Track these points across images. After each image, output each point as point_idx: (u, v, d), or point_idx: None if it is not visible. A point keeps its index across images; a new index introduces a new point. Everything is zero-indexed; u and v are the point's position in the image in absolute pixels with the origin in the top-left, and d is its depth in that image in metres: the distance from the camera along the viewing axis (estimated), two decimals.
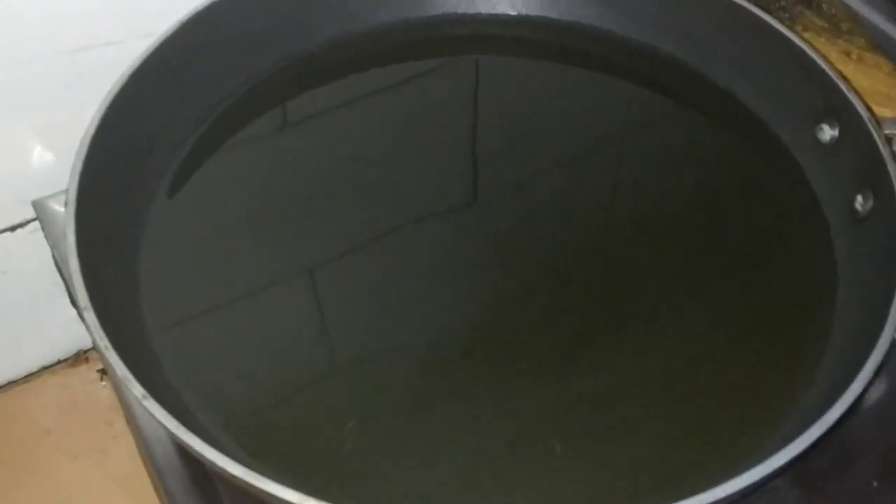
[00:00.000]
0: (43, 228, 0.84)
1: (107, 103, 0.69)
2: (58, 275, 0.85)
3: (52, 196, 0.83)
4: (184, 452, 0.67)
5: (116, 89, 0.70)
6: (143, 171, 0.72)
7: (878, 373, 0.55)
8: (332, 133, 0.79)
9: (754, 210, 0.73)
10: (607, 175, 0.75)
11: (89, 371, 1.02)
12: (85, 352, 1.03)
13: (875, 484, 0.63)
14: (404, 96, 0.82)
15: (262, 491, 0.50)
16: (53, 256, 0.83)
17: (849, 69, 0.80)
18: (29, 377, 1.00)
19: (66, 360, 1.02)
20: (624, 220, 0.73)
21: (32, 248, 0.89)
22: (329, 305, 0.68)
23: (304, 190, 0.75)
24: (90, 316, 0.57)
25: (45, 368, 1.02)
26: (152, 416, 0.54)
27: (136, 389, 0.54)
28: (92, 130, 0.67)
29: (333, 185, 0.75)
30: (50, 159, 0.85)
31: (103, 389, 1.00)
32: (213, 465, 0.51)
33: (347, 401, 0.62)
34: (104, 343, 0.56)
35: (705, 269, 0.69)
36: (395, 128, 0.79)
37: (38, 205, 0.84)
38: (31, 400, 0.99)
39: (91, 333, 0.57)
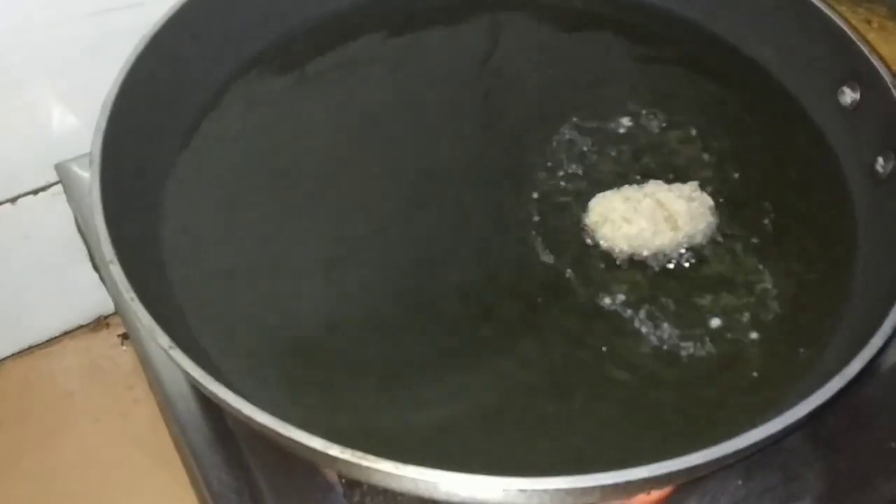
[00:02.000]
0: (65, 191, 0.85)
1: (129, 65, 0.70)
2: (79, 239, 0.86)
3: (74, 159, 0.84)
4: (206, 407, 0.68)
5: (138, 51, 0.70)
6: (165, 130, 0.73)
7: None
8: (353, 92, 0.79)
9: (776, 172, 0.72)
10: (628, 139, 0.75)
11: (110, 336, 1.02)
12: (106, 317, 1.03)
13: (893, 445, 0.64)
14: (424, 55, 0.82)
15: (287, 439, 0.51)
16: (76, 219, 0.84)
17: (870, 37, 0.79)
18: (51, 341, 1.01)
19: (87, 325, 1.03)
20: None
21: (54, 212, 0.89)
22: (351, 260, 0.68)
23: (323, 148, 0.75)
24: (116, 269, 0.58)
25: (66, 333, 1.02)
26: (178, 365, 0.55)
27: (163, 340, 0.55)
28: (115, 91, 0.68)
29: (352, 143, 0.75)
30: (71, 123, 0.86)
31: (124, 354, 1.01)
32: (240, 413, 0.52)
33: (369, 357, 0.63)
34: (130, 295, 0.57)
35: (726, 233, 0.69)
36: (411, 86, 0.79)
37: (60, 168, 0.85)
38: (54, 364, 1.01)
39: (116, 287, 0.58)
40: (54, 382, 1.00)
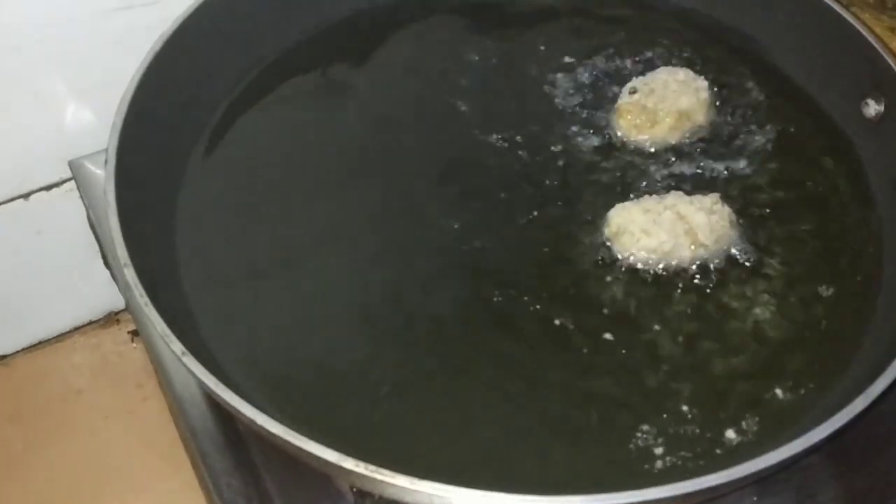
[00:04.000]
0: (79, 188, 0.84)
1: (146, 63, 0.69)
2: (91, 236, 0.85)
3: (88, 156, 0.84)
4: (217, 413, 0.67)
5: (156, 49, 0.70)
6: (181, 131, 0.72)
7: None
8: (367, 95, 0.78)
9: (799, 184, 0.71)
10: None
11: (120, 333, 1.02)
12: (116, 313, 1.03)
13: None
14: (445, 55, 0.81)
15: (300, 450, 0.50)
16: (88, 216, 0.83)
17: (894, 45, 0.78)
18: (61, 337, 1.01)
19: (97, 321, 1.03)
20: None
21: (67, 209, 0.89)
22: (364, 269, 0.67)
23: (343, 151, 0.74)
24: (130, 272, 0.57)
25: (76, 329, 1.02)
26: (191, 373, 0.54)
27: (176, 346, 0.54)
28: (131, 90, 0.68)
29: (373, 146, 0.75)
30: (86, 119, 0.85)
31: (134, 351, 1.01)
32: (252, 422, 0.51)
33: (381, 367, 0.62)
34: (144, 300, 0.56)
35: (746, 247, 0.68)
36: (432, 88, 0.79)
37: (74, 164, 0.84)
38: (63, 360, 1.00)
39: (130, 290, 0.58)
40: (64, 378, 1.00)
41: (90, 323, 1.03)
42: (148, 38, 0.71)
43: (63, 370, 1.00)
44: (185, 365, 0.54)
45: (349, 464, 0.49)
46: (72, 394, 0.99)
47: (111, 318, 1.04)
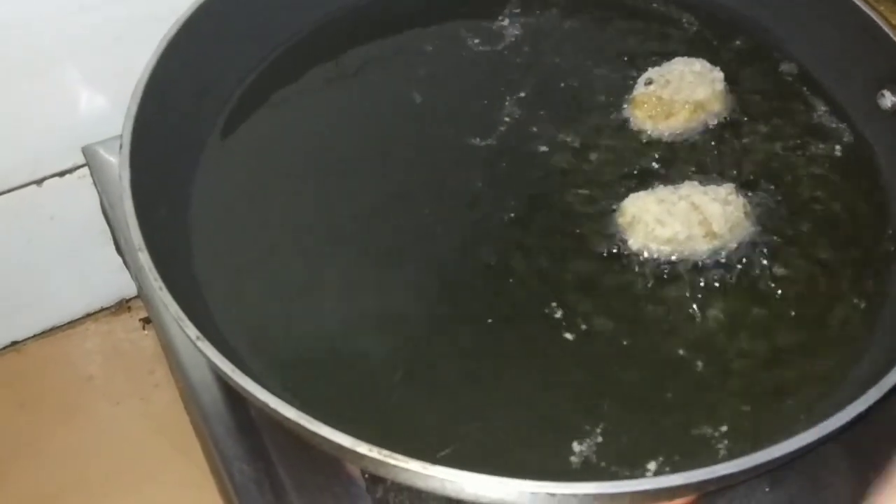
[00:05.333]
0: (92, 174, 0.84)
1: (161, 49, 0.69)
2: (104, 222, 0.85)
3: (101, 142, 0.84)
4: (229, 398, 0.67)
5: (170, 36, 0.70)
6: (195, 117, 0.72)
7: None
8: (380, 84, 0.78)
9: (813, 175, 0.71)
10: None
11: (132, 319, 1.02)
12: (127, 301, 1.03)
13: None
14: (449, 50, 0.81)
15: (313, 434, 0.50)
16: (101, 203, 0.84)
17: None
18: (73, 323, 1.01)
19: (108, 308, 1.03)
20: None
21: (80, 195, 0.89)
22: (380, 255, 0.67)
23: (358, 139, 0.74)
24: (144, 256, 0.58)
25: (88, 315, 1.03)
26: (205, 357, 0.54)
27: (190, 330, 0.55)
28: (146, 76, 0.68)
29: (387, 134, 0.75)
30: (99, 106, 0.85)
31: (145, 338, 1.01)
32: (266, 406, 0.51)
33: (395, 353, 0.62)
34: (158, 284, 0.56)
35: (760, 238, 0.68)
36: (450, 76, 0.79)
37: (87, 151, 0.85)
38: (75, 346, 1.01)
39: (143, 274, 0.58)
40: (75, 364, 1.00)
41: (102, 310, 1.04)
42: (163, 25, 0.71)
43: (74, 357, 1.00)
44: (199, 349, 0.54)
45: (363, 448, 0.49)
46: (83, 380, 0.99)
47: (122, 306, 1.04)
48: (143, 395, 0.98)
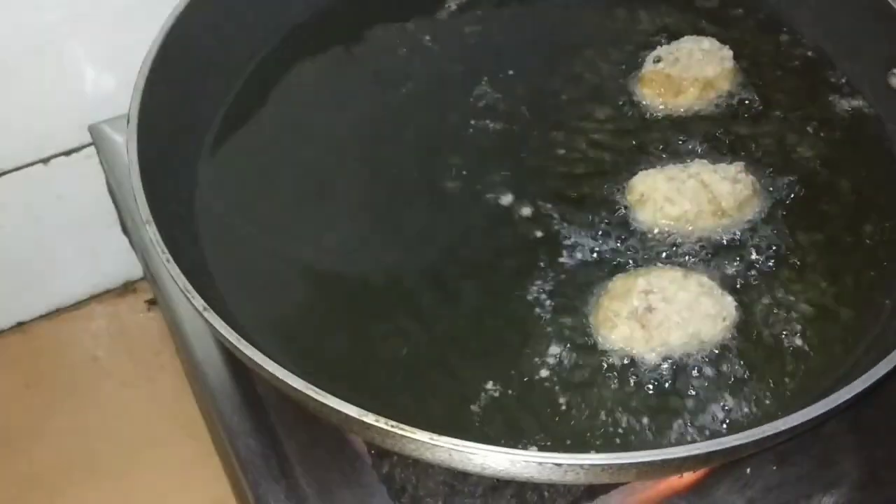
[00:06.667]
0: (98, 153, 0.84)
1: (168, 26, 0.69)
2: (110, 203, 0.85)
3: (108, 121, 0.84)
4: (236, 374, 0.67)
5: (178, 12, 0.70)
6: (204, 94, 0.72)
7: None
8: (397, 67, 0.77)
9: (824, 153, 0.71)
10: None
11: (137, 301, 1.02)
12: (133, 282, 1.03)
13: None
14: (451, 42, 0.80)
15: (321, 405, 0.50)
16: (108, 181, 0.83)
17: None
18: (79, 304, 1.02)
19: (114, 289, 1.03)
20: None
21: (86, 174, 0.89)
22: (386, 232, 0.67)
23: (364, 121, 0.74)
24: (152, 229, 0.57)
25: (94, 297, 1.03)
26: (212, 328, 0.54)
27: (197, 301, 0.54)
28: (153, 51, 0.67)
29: (394, 117, 0.74)
30: (106, 85, 0.85)
31: (151, 320, 1.01)
32: (274, 377, 0.51)
33: (402, 328, 0.62)
34: (165, 256, 0.56)
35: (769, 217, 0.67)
36: (462, 63, 0.78)
37: (94, 129, 0.84)
38: (81, 327, 1.01)
39: (150, 249, 0.58)
40: (81, 345, 1.00)
41: (107, 291, 1.04)
42: (167, 5, 0.70)
43: (80, 337, 1.01)
44: (206, 320, 0.54)
45: (370, 419, 0.49)
46: (89, 361, 0.99)
47: (128, 287, 1.04)
48: (149, 376, 0.98)
